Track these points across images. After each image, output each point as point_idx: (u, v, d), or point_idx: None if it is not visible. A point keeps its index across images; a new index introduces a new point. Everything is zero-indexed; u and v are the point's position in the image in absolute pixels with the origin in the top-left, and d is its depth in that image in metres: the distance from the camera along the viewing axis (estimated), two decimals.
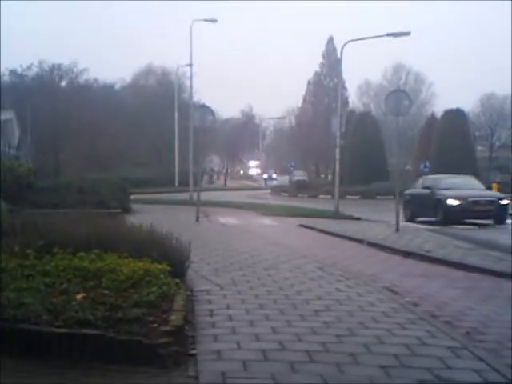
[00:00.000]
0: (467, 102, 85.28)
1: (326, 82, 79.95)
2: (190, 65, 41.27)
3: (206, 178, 60.86)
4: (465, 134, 48.88)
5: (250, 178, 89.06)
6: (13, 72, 63.32)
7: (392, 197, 24.77)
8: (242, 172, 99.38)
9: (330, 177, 60.95)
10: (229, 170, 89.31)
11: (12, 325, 5.67)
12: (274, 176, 79.10)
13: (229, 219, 23.56)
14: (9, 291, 6.51)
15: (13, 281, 6.97)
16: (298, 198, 39.93)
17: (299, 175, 62.84)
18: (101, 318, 5.86)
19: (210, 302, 8.02)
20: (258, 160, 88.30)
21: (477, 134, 67.30)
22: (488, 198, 23.37)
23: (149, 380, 5.14)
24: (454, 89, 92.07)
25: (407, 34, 28.64)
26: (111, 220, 11.68)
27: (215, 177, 73.03)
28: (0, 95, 48.05)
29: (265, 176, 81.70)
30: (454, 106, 50.46)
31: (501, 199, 23.27)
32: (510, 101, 73.61)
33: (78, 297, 6.54)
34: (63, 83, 66.55)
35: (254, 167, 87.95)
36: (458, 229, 20.10)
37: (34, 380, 5.15)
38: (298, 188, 46.59)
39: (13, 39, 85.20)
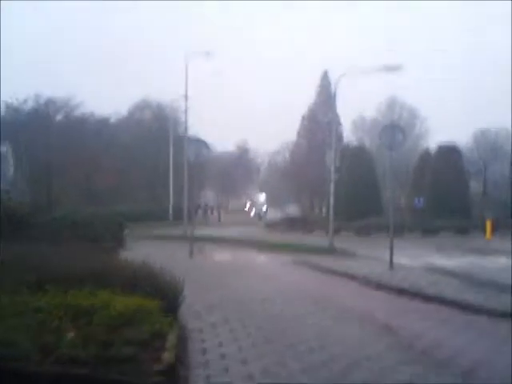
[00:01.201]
0: (461, 136, 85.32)
1: (321, 117, 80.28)
2: (185, 98, 41.52)
3: (200, 212, 60.70)
4: (458, 169, 49.00)
5: (243, 211, 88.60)
6: (8, 106, 63.51)
7: (386, 233, 24.73)
8: (229, 207, 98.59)
9: (324, 211, 60.92)
10: (223, 205, 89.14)
11: (1, 364, 5.60)
12: (264, 209, 79.28)
13: (223, 255, 23.47)
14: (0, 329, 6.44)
15: (3, 318, 6.90)
16: (293, 234, 39.83)
17: (292, 210, 63.13)
18: (92, 355, 5.79)
19: (202, 340, 7.96)
20: (263, 193, 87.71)
21: (470, 169, 67.53)
22: None
23: None
24: (448, 123, 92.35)
25: (400, 67, 28.86)
26: (105, 255, 11.63)
27: (209, 211, 72.79)
28: None
29: (252, 213, 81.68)
30: (447, 140, 50.66)
31: None
32: (503, 135, 74.03)
33: (70, 334, 6.48)
34: (59, 117, 66.67)
35: (263, 201, 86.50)
36: (451, 266, 20.05)
37: None
38: (292, 224, 46.52)
39: (8, 74, 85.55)
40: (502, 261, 21.07)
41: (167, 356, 6.05)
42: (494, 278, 15.80)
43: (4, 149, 49.34)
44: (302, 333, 8.51)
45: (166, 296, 8.55)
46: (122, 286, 8.67)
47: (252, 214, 79.31)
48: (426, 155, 54.69)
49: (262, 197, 75.35)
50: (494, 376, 6.81)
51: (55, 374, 5.48)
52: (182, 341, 7.60)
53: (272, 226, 49.04)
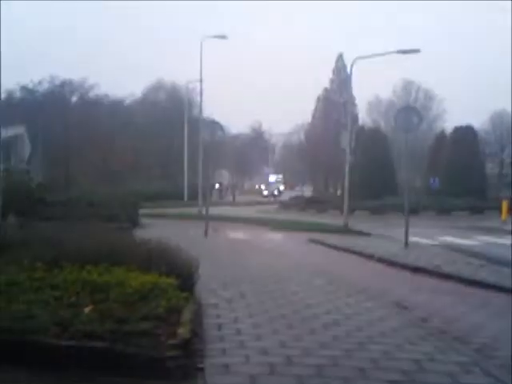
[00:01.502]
0: (477, 118, 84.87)
1: (336, 98, 79.99)
2: (200, 80, 41.44)
3: (215, 192, 60.80)
4: (474, 150, 48.74)
5: (259, 192, 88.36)
6: (24, 88, 63.76)
7: (401, 212, 24.72)
8: (245, 187, 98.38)
9: (339, 192, 60.80)
10: (238, 185, 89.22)
11: (20, 337, 5.67)
12: (279, 189, 79.36)
13: (238, 234, 23.55)
14: (18, 304, 6.52)
15: (22, 293, 6.98)
16: (307, 213, 39.86)
17: (307, 190, 63.28)
18: (109, 330, 5.85)
19: (218, 315, 8.01)
20: (279, 174, 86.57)
21: (487, 151, 67.08)
22: None
23: None
24: (464, 105, 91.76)
25: (417, 51, 28.64)
26: (120, 234, 11.69)
27: (224, 192, 72.93)
28: (10, 111, 48.32)
29: (265, 192, 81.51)
30: (464, 123, 50.33)
31: None
32: None
33: (86, 310, 6.54)
34: (74, 98, 66.95)
35: (274, 182, 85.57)
36: (466, 245, 20.01)
37: None
38: (307, 203, 46.51)
39: (24, 55, 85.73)
40: None
41: (182, 330, 6.10)
42: (509, 256, 15.76)
43: (21, 130, 49.52)
44: (318, 309, 8.54)
45: (181, 274, 8.59)
46: (138, 263, 8.72)
47: (266, 193, 79.31)
48: (441, 137, 54.45)
49: (277, 177, 74.94)
50: (505, 350, 6.81)
51: (73, 347, 5.54)
52: (198, 316, 7.65)
53: (286, 205, 49.09)
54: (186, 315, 6.73)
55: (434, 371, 5.81)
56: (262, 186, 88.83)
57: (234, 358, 6.09)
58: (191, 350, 5.99)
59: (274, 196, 74.36)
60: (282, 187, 78.52)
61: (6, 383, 5.30)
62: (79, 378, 5.34)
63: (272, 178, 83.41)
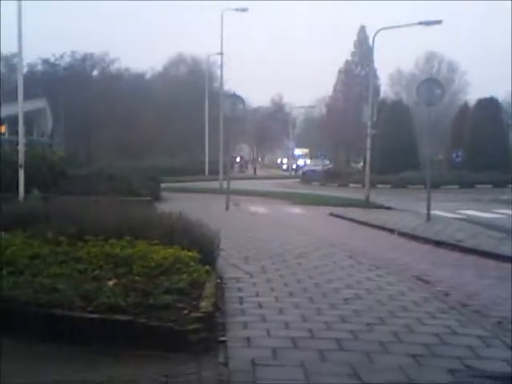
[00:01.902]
0: (501, 90, 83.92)
1: (358, 71, 79.43)
2: (221, 54, 41.33)
3: (236, 166, 60.83)
4: (498, 123, 48.16)
5: (279, 165, 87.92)
6: (45, 61, 63.94)
7: (423, 186, 24.61)
8: (265, 160, 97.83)
9: (360, 165, 60.54)
10: (259, 159, 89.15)
11: (45, 310, 5.76)
12: (302, 163, 78.63)
13: (258, 208, 23.58)
14: (42, 277, 6.62)
15: (46, 267, 7.08)
16: (328, 187, 39.81)
17: (328, 164, 62.90)
18: (132, 304, 5.92)
19: (239, 289, 8.06)
20: (304, 147, 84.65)
21: (510, 122, 66.29)
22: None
23: (179, 366, 5.18)
24: (487, 77, 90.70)
25: (439, 22, 28.29)
26: (142, 208, 11.76)
27: (245, 165, 72.95)
28: (31, 84, 48.51)
29: (284, 166, 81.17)
30: (487, 95, 49.71)
31: None
32: None
33: (110, 283, 6.62)
34: (95, 72, 67.09)
35: (301, 156, 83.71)
36: (490, 218, 19.90)
37: (65, 365, 5.23)
38: (328, 177, 46.42)
39: (45, 29, 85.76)
40: None
41: (205, 304, 6.15)
42: None
43: (42, 103, 49.74)
44: (338, 284, 8.56)
45: (203, 248, 8.65)
46: (160, 237, 8.79)
47: (285, 167, 79.09)
48: (464, 109, 53.83)
49: (299, 151, 74.21)
50: None
51: (97, 319, 5.62)
52: (219, 290, 7.71)
53: (308, 179, 49.04)
54: (208, 289, 6.79)
55: (454, 344, 5.82)
56: (284, 160, 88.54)
57: (256, 331, 6.13)
58: (213, 323, 6.05)
59: (295, 170, 74.13)
60: (308, 161, 77.14)
61: (31, 355, 5.40)
62: (102, 351, 5.42)
63: (298, 151, 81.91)
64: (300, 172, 66.11)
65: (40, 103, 49.28)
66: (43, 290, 6.09)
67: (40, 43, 74.05)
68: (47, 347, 5.51)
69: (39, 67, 63.93)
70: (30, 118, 41.86)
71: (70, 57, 64.17)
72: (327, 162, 64.98)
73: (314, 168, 60.39)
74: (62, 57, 63.93)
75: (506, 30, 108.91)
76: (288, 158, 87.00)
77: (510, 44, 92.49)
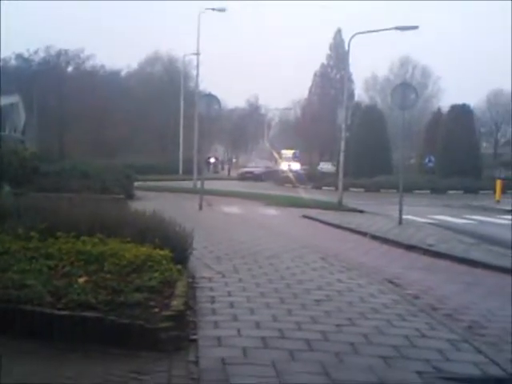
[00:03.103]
0: (474, 97, 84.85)
1: (333, 74, 79.82)
2: (197, 54, 41.19)
3: (210, 166, 60.72)
4: (470, 129, 48.63)
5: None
6: (19, 56, 63.28)
7: (395, 190, 24.78)
8: (240, 161, 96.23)
9: (328, 167, 60.89)
10: (234, 160, 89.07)
11: (15, 305, 5.70)
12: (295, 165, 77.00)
13: (232, 208, 23.57)
14: (12, 273, 6.55)
15: (16, 263, 7.01)
16: (301, 189, 39.90)
17: (302, 166, 62.58)
18: (103, 301, 5.90)
19: (211, 289, 8.06)
20: (293, 149, 78.37)
21: (482, 130, 67.09)
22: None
23: (149, 364, 5.16)
24: (460, 84, 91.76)
25: (415, 27, 28.43)
26: (115, 206, 11.70)
27: (220, 166, 72.79)
28: (5, 79, 47.99)
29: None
30: (460, 101, 50.14)
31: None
32: None
33: (81, 280, 6.58)
34: (70, 68, 66.54)
35: (289, 157, 76.31)
36: (461, 224, 20.10)
37: (34, 361, 5.18)
38: (302, 179, 46.52)
39: (19, 24, 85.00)
40: (509, 220, 21.10)
41: (176, 303, 6.15)
42: (500, 235, 15.86)
43: (15, 99, 49.25)
44: (310, 285, 8.59)
45: (175, 247, 8.64)
46: (132, 236, 8.75)
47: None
48: (438, 115, 54.35)
49: (293, 152, 71.53)
50: (495, 328, 6.89)
51: (66, 316, 5.57)
52: (191, 289, 7.70)
53: (281, 181, 49.12)
54: (180, 288, 6.78)
55: (423, 347, 5.87)
56: (258, 162, 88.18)
57: (227, 330, 6.13)
58: (184, 321, 6.04)
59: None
60: (295, 164, 71.85)
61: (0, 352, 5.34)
62: (72, 348, 5.38)
63: (288, 153, 77.36)
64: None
65: (13, 98, 48.81)
66: (13, 286, 6.03)
67: (14, 39, 73.38)
68: (16, 343, 5.45)
69: (13, 62, 63.28)
70: (3, 114, 41.50)
71: (44, 52, 63.58)
72: (299, 165, 64.45)
73: (295, 170, 59.71)
74: (36, 52, 63.33)
75: (480, 36, 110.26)
76: (261, 160, 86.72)
77: (487, 51, 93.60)
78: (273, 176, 55.36)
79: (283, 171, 57.67)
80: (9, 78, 51.29)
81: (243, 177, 54.95)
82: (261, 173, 55.60)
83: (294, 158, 68.44)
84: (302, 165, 65.57)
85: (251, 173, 55.79)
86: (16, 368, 5.00)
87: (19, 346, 5.41)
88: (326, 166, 64.84)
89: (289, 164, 64.80)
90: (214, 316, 6.66)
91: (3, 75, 46.98)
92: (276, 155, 78.15)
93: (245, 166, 63.32)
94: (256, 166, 61.45)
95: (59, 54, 64.12)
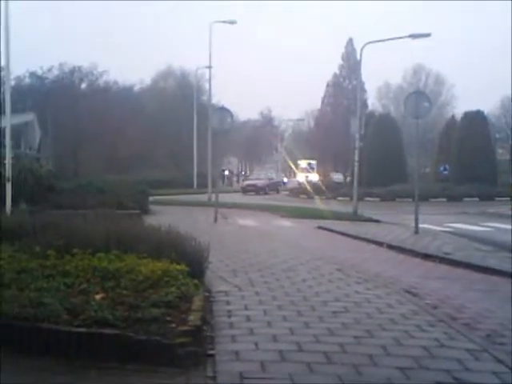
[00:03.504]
0: (488, 103, 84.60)
1: (346, 84, 79.72)
2: (209, 67, 41.32)
3: (224, 179, 60.77)
4: (485, 136, 48.42)
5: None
6: (33, 74, 63.82)
7: (411, 199, 24.69)
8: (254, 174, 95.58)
9: (348, 178, 60.40)
10: (243, 172, 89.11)
11: (32, 324, 5.72)
12: (285, 180, 76.35)
13: (247, 221, 23.58)
14: (29, 291, 6.58)
15: (33, 281, 7.04)
16: (316, 200, 39.84)
17: (317, 177, 62.28)
18: (120, 317, 5.90)
19: (228, 302, 8.04)
20: (309, 160, 75.22)
21: (497, 136, 66.72)
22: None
23: (167, 380, 5.16)
24: (474, 91, 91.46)
25: (428, 35, 28.45)
26: (130, 221, 11.72)
27: (234, 179, 72.88)
28: (19, 97, 48.40)
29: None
30: (474, 108, 50.04)
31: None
32: None
33: (97, 297, 6.59)
34: (83, 85, 67.01)
35: (306, 167, 73.11)
36: (477, 231, 19.98)
37: (52, 379, 5.19)
38: (316, 190, 46.41)
39: (32, 42, 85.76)
40: None
41: (193, 317, 6.14)
42: None
43: (30, 117, 49.62)
44: (327, 296, 8.55)
45: (191, 261, 8.64)
46: (148, 251, 8.77)
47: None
48: (452, 122, 54.21)
49: (309, 163, 70.49)
50: None
51: (84, 333, 5.58)
52: (208, 303, 7.69)
53: (295, 192, 49.11)
54: (197, 302, 6.77)
55: (442, 357, 5.83)
56: (273, 174, 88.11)
57: (244, 344, 6.12)
58: (201, 336, 6.03)
59: (284, 183, 73.23)
60: (313, 175, 66.18)
61: (18, 370, 5.35)
62: (89, 365, 5.38)
63: (303, 164, 74.90)
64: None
65: (28, 117, 49.18)
66: (30, 304, 6.05)
67: (28, 56, 74.02)
68: (34, 361, 5.47)
69: (27, 80, 63.82)
70: (18, 132, 41.77)
71: (58, 69, 64.11)
72: (314, 176, 64.20)
73: (313, 181, 58.71)
74: (50, 70, 63.83)
75: (493, 43, 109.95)
76: (277, 172, 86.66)
77: (500, 58, 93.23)
78: (276, 188, 55.12)
79: (300, 183, 57.10)
80: (23, 96, 51.81)
81: (246, 190, 53.18)
82: (264, 185, 54.35)
83: (311, 168, 67.68)
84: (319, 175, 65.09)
85: (254, 185, 54.09)
86: None
87: (36, 364, 5.43)
88: (336, 177, 64.62)
89: (307, 175, 63.83)
90: (231, 330, 6.64)
91: (18, 93, 47.42)
92: (293, 166, 77.47)
93: (247, 179, 61.11)
94: (258, 178, 59.59)
95: (73, 71, 64.63)
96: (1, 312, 5.90)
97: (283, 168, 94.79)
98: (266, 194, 50.15)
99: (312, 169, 66.09)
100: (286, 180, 76.49)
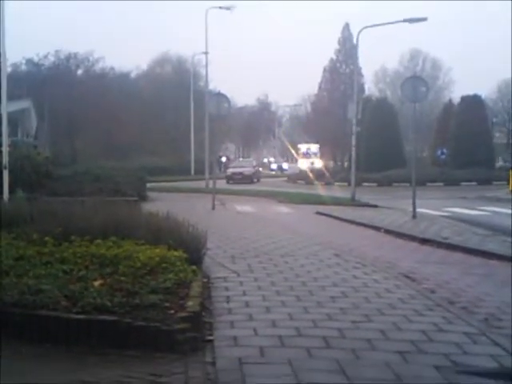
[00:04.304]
0: (485, 87, 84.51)
1: (342, 69, 79.50)
2: (206, 53, 41.18)
3: (221, 165, 60.51)
4: (482, 120, 48.37)
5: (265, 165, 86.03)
6: (29, 61, 63.51)
7: (408, 184, 24.71)
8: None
9: (346, 164, 60.17)
10: (240, 159, 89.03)
11: (30, 311, 5.73)
12: (286, 167, 75.16)
13: (245, 207, 23.56)
14: (28, 278, 6.58)
15: (31, 268, 7.05)
16: (314, 186, 39.84)
17: (314, 163, 61.40)
18: (118, 304, 5.91)
19: (226, 288, 8.05)
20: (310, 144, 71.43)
21: (494, 120, 66.67)
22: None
23: (166, 366, 5.17)
24: (472, 75, 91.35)
25: (424, 19, 28.35)
26: (128, 208, 11.71)
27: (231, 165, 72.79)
28: (16, 84, 48.17)
29: (274, 166, 77.60)
30: (471, 92, 49.98)
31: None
32: None
33: (96, 283, 6.60)
34: (79, 72, 66.71)
35: (306, 152, 68.40)
36: (475, 215, 20.01)
37: (51, 366, 5.20)
38: (314, 176, 46.26)
39: (28, 28, 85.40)
40: None
41: (191, 303, 6.15)
42: None
43: (27, 104, 49.45)
44: (325, 282, 8.57)
45: (189, 247, 8.64)
46: (146, 237, 8.78)
47: (274, 166, 78.49)
48: (449, 106, 54.14)
49: (309, 147, 68.48)
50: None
51: (82, 320, 5.59)
52: (206, 289, 7.70)
53: (293, 178, 49.06)
54: (195, 288, 6.78)
55: (441, 341, 5.84)
56: (271, 159, 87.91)
57: (243, 330, 6.13)
58: (200, 322, 6.04)
59: (282, 169, 72.78)
60: (317, 161, 62.19)
61: (16, 357, 5.36)
62: (88, 351, 5.40)
63: (304, 148, 67.58)
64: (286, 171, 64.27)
65: (24, 104, 48.97)
66: (29, 291, 6.06)
67: (24, 43, 73.67)
68: (33, 348, 5.48)
69: (23, 67, 63.54)
70: (15, 119, 41.62)
71: (53, 56, 63.77)
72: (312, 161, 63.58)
73: (318, 168, 56.44)
74: (46, 56, 63.53)
75: (491, 26, 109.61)
76: (275, 157, 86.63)
77: (497, 41, 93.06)
78: (260, 176, 51.54)
79: (301, 170, 55.06)
80: (20, 83, 51.51)
81: (231, 178, 47.03)
82: (251, 173, 48.84)
83: (313, 153, 65.28)
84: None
85: (240, 173, 47.86)
86: (32, 372, 5.02)
87: (36, 351, 5.44)
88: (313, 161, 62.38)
89: (312, 162, 60.71)
90: (229, 316, 6.65)
91: (14, 80, 47.12)
92: (293, 152, 76.44)
93: (232, 167, 52.73)
94: (242, 165, 52.52)
95: (68, 57, 64.33)
96: (0, 299, 5.91)
97: (281, 153, 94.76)
98: (253, 183, 45.43)
99: (314, 154, 64.83)
100: (286, 166, 75.31)
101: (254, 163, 57.15)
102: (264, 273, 9.22)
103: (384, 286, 8.41)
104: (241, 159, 66.78)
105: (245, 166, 51.20)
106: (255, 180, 47.93)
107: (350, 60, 72.30)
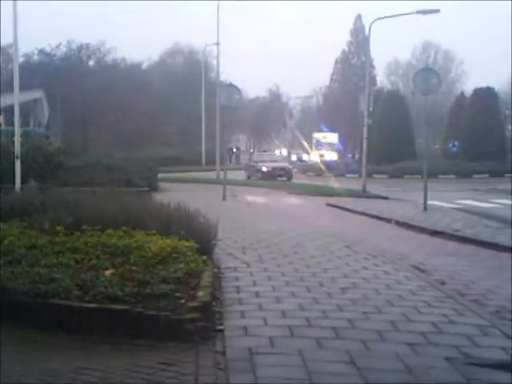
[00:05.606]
0: (498, 80, 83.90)
1: (354, 61, 79.12)
2: (217, 44, 41.09)
3: (232, 156, 60.36)
4: (495, 112, 48.14)
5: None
6: (41, 51, 63.66)
7: (420, 176, 24.64)
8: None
9: (357, 156, 59.85)
10: (255, 149, 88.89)
11: (42, 300, 5.77)
12: (306, 158, 73.84)
13: (255, 198, 23.58)
14: (39, 267, 6.62)
15: (43, 257, 7.09)
16: (325, 177, 39.78)
17: (325, 154, 60.84)
18: (129, 293, 5.94)
19: (237, 278, 8.07)
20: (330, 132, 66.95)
21: (507, 112, 66.25)
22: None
23: (176, 355, 5.19)
24: (484, 67, 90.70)
25: (437, 11, 28.22)
26: (139, 198, 11.75)
27: (242, 156, 72.68)
28: (28, 74, 48.31)
29: (294, 158, 76.61)
30: (484, 85, 49.67)
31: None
32: None
33: (107, 273, 6.63)
34: (91, 62, 66.78)
35: (318, 143, 63.71)
36: (487, 208, 19.93)
37: (63, 354, 5.24)
38: (325, 167, 46.07)
39: (41, 19, 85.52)
40: None
41: (202, 293, 6.17)
42: None
43: (39, 94, 49.59)
44: (335, 273, 8.58)
45: (200, 238, 8.66)
46: (157, 227, 8.80)
47: (294, 158, 77.68)
48: (461, 99, 53.84)
49: (323, 136, 67.07)
50: None
51: (94, 309, 5.62)
52: (217, 279, 7.72)
53: (304, 169, 48.99)
54: (206, 278, 6.80)
55: (451, 333, 5.84)
56: (283, 151, 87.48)
57: (253, 320, 6.15)
58: (210, 312, 6.06)
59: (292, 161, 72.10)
60: (331, 154, 58.35)
61: (29, 344, 5.40)
62: (100, 340, 5.43)
63: (320, 136, 63.80)
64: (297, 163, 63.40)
65: (36, 94, 49.13)
66: (40, 280, 6.10)
67: (36, 33, 73.78)
68: (45, 336, 5.52)
69: (35, 57, 63.69)
70: (27, 109, 41.80)
71: (65, 47, 63.88)
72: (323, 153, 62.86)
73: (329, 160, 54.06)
74: (58, 47, 63.64)
75: (504, 18, 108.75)
76: (287, 148, 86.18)
77: (510, 33, 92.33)
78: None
79: (314, 162, 53.12)
80: (32, 73, 51.64)
81: (269, 174, 39.06)
82: (291, 168, 42.56)
83: (329, 145, 62.75)
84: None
85: (282, 169, 40.53)
86: (44, 360, 5.06)
87: (47, 339, 5.48)
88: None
89: (321, 154, 57.08)
90: (240, 306, 6.67)
91: (26, 70, 47.26)
92: (305, 144, 75.48)
93: (259, 161, 43.26)
94: (274, 159, 45.72)
95: (80, 48, 64.40)
96: (12, 288, 5.95)
97: (291, 145, 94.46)
98: (291, 179, 38.94)
99: (329, 144, 63.01)
100: (306, 158, 70.80)
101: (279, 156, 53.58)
102: (274, 263, 9.23)
103: (394, 277, 8.41)
104: (264, 152, 60.57)
105: (277, 160, 45.03)
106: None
107: (362, 52, 71.90)
